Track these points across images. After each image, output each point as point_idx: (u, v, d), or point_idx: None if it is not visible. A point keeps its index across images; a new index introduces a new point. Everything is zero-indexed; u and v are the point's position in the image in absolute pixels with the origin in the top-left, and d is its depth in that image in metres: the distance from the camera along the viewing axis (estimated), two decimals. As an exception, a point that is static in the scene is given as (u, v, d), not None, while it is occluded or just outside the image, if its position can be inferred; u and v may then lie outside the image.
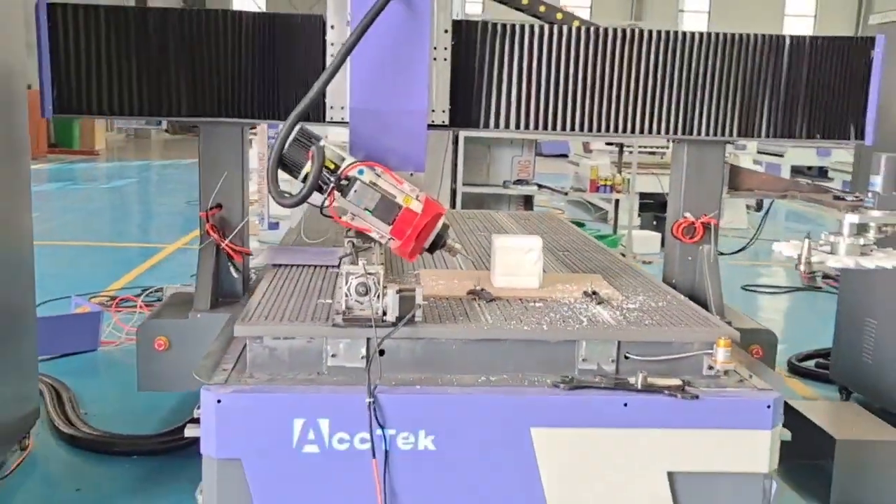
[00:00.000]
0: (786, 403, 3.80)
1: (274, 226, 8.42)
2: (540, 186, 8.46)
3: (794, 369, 5.02)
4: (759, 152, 12.09)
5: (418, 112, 2.66)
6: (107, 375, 4.66)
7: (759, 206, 11.45)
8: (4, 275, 3.30)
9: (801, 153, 14.46)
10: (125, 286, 6.43)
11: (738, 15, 30.17)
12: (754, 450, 2.47)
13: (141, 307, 5.47)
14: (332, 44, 3.01)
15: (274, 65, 3.22)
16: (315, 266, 3.33)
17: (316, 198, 2.50)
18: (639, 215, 9.87)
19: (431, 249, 2.58)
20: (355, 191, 2.44)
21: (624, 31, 3.34)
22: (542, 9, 3.69)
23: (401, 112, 2.64)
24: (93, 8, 3.13)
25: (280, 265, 3.34)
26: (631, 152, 9.04)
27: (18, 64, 3.33)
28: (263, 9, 23.36)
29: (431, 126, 2.98)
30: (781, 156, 14.81)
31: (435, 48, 2.95)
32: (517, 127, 3.34)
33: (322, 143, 2.47)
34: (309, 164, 2.42)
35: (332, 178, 2.43)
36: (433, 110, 3.05)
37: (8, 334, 3.31)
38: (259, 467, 2.37)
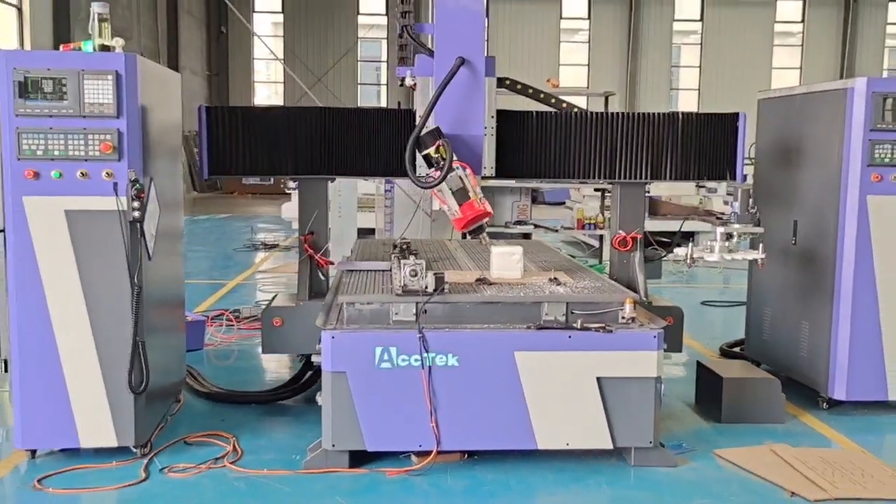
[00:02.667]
0: (698, 362, 5.51)
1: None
2: (536, 226, 10.19)
3: (724, 353, 6.65)
4: (728, 194, 13.79)
5: (477, 136, 4.39)
6: (213, 365, 6.34)
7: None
8: (172, 295, 5.02)
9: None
10: (206, 309, 8.15)
11: (727, 68, 31.91)
12: (648, 363, 4.13)
13: (230, 320, 7.20)
14: (420, 116, 4.65)
15: (344, 138, 4.96)
16: (371, 271, 5.04)
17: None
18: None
19: (475, 232, 4.31)
20: (450, 176, 4.15)
21: (585, 113, 5.07)
22: (552, 100, 5.49)
23: (467, 136, 4.38)
24: (232, 108, 4.93)
25: (350, 271, 5.06)
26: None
27: (178, 148, 5.10)
28: (281, 57, 25.50)
29: (484, 178, 4.63)
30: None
31: (485, 127, 4.60)
32: (537, 177, 5.10)
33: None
34: (433, 149, 4.13)
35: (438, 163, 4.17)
36: (484, 167, 4.64)
37: (172, 331, 5.02)
38: (355, 376, 4.05)
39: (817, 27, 32.22)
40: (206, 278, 10.49)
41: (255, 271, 11.22)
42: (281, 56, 29.22)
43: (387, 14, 31.04)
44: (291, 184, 13.90)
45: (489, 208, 4.32)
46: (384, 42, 31.53)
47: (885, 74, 32.02)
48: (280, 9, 31.14)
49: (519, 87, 5.52)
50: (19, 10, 16.40)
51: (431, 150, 4.20)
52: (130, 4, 21.79)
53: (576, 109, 5.17)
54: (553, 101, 5.51)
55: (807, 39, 32.49)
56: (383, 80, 32.00)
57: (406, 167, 4.28)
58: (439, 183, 4.18)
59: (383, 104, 31.70)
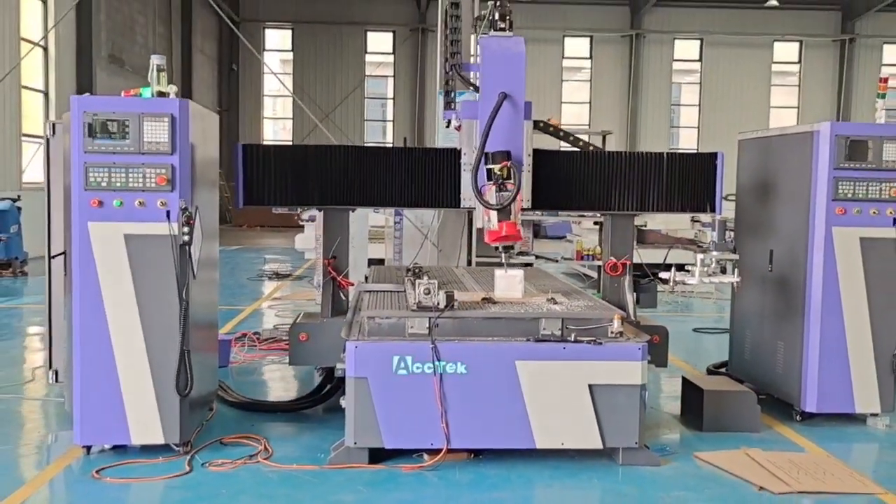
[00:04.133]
0: (684, 378, 6.04)
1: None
2: (537, 256, 10.77)
3: (711, 373, 7.17)
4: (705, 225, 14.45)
5: (519, 159, 4.93)
6: (237, 380, 6.87)
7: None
8: (208, 317, 5.57)
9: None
10: (227, 332, 8.70)
11: (726, 107, 32.59)
12: (634, 372, 4.67)
13: (253, 340, 7.75)
14: (465, 153, 5.30)
15: (364, 173, 5.56)
16: (386, 292, 5.61)
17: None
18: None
19: (505, 249, 4.87)
20: (501, 193, 4.71)
21: (583, 152, 5.67)
22: (580, 143, 6.09)
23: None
24: (266, 146, 5.54)
25: (368, 292, 5.64)
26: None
27: (216, 181, 5.70)
28: (290, 90, 26.46)
29: (523, 210, 5.10)
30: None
31: (522, 164, 5.09)
32: (542, 208, 5.66)
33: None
34: (499, 167, 4.69)
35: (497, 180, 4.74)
36: (523, 199, 5.16)
37: (208, 348, 5.58)
38: (375, 381, 4.60)
39: (814, 68, 32.93)
40: (223, 304, 11.06)
41: (267, 299, 11.79)
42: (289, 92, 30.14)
43: (393, 53, 31.97)
44: (305, 216, 14.56)
45: (522, 234, 4.92)
46: (390, 80, 32.41)
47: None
48: (290, 47, 32.11)
49: (551, 129, 6.18)
50: (45, 49, 17.20)
51: (496, 168, 4.76)
52: (147, 43, 22.64)
53: (597, 150, 5.79)
54: (581, 143, 6.14)
55: (804, 79, 33.20)
56: (389, 116, 32.83)
57: (472, 186, 4.82)
58: (510, 203, 4.67)
59: (389, 140, 32.51)
